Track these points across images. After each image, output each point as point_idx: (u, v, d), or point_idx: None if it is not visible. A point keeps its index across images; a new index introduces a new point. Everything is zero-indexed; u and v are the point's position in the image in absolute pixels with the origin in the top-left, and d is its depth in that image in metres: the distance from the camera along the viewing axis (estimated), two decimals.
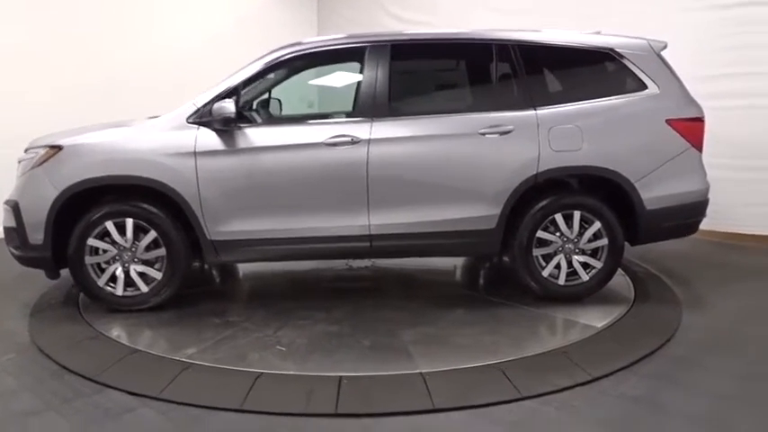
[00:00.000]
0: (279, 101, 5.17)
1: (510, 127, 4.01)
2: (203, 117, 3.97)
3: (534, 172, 4.00)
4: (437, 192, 4.02)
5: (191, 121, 3.99)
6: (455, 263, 5.38)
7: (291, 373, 3.18)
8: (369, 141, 3.98)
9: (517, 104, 4.09)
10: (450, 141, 4.02)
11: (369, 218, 4.02)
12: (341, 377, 3.11)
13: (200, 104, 4.01)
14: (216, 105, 3.89)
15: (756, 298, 4.49)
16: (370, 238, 4.06)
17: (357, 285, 4.87)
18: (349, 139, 3.98)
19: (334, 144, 3.97)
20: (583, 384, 3.07)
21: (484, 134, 4.00)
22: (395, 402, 2.90)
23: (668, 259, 5.34)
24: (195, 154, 3.92)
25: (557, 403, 2.90)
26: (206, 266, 5.22)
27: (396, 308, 4.17)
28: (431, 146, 4.01)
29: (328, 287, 4.84)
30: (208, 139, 3.96)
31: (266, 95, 4.94)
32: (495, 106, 4.13)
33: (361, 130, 4.00)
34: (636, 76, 4.15)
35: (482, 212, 4.03)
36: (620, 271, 4.84)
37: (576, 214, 4.09)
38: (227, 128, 3.94)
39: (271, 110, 5.00)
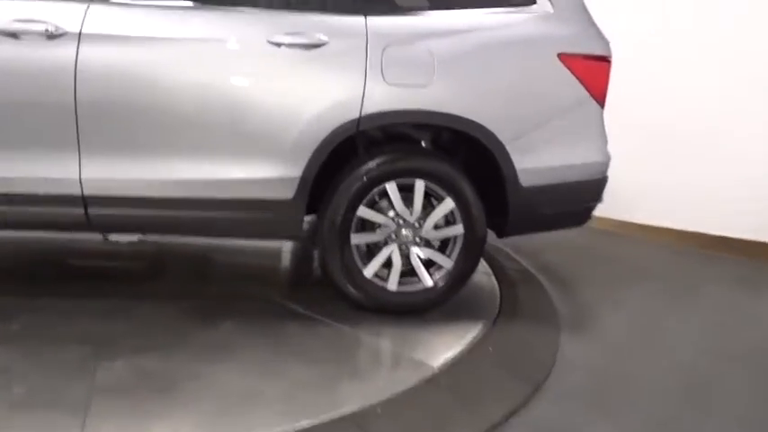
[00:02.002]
0: None
1: (321, 37, 2.50)
2: None
3: (356, 116, 2.53)
4: (195, 133, 2.47)
5: None
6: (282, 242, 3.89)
7: None
8: (80, 36, 2.35)
9: (337, 5, 2.60)
10: (220, 50, 2.47)
11: (79, 168, 2.42)
12: None
13: None
14: None
15: (650, 310, 3.32)
16: (84, 201, 2.45)
17: (95, 270, 3.25)
18: (43, 28, 2.32)
19: (17, 34, 2.31)
20: None
21: (278, 45, 2.48)
22: None
23: (548, 251, 4.10)
24: None
25: None
26: None
27: (126, 315, 2.61)
28: (188, 55, 2.44)
29: (51, 274, 3.18)
30: None
31: None
32: (300, 3, 2.61)
33: (69, 15, 2.36)
34: None
35: (271, 173, 2.53)
36: (484, 266, 3.55)
37: (419, 185, 2.68)
38: None
39: None
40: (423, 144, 2.96)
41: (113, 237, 3.41)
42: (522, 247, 4.00)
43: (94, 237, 3.36)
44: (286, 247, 3.88)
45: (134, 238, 3.45)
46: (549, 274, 3.67)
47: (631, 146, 4.44)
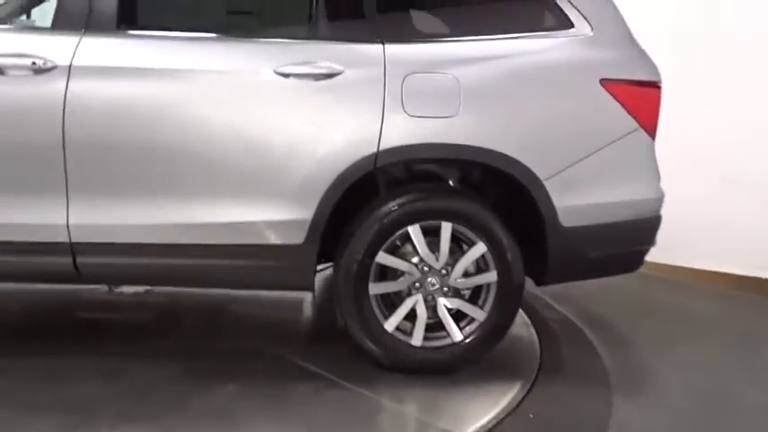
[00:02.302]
0: None
1: (334, 67, 2.26)
2: None
3: (374, 150, 2.27)
4: (194, 172, 2.24)
5: None
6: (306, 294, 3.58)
7: None
8: (70, 70, 2.15)
9: (351, 31, 2.37)
10: (222, 83, 2.24)
11: (67, 213, 2.19)
12: None
13: None
14: None
15: (716, 368, 2.88)
16: (72, 248, 2.22)
17: (92, 324, 3.01)
18: (30, 62, 2.14)
19: (1, 69, 2.13)
20: None
21: (286, 75, 2.24)
22: None
23: (592, 299, 3.71)
24: None
25: None
26: None
27: (119, 376, 2.33)
28: (186, 88, 2.22)
29: (43, 328, 2.94)
30: None
31: None
32: (312, 31, 2.40)
33: (59, 48, 2.18)
34: (558, 6, 2.50)
35: (279, 216, 2.27)
36: (522, 317, 3.20)
37: (445, 228, 2.38)
38: None
39: None
40: (450, 182, 2.67)
41: (118, 288, 3.20)
42: (563, 295, 3.63)
43: (97, 287, 3.16)
44: (307, 297, 3.59)
45: (140, 288, 3.23)
46: (595, 326, 3.28)
47: (684, 181, 4.08)
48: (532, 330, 3.10)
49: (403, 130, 2.27)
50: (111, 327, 3.00)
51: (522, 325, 3.13)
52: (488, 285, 2.45)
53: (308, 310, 3.47)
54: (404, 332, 2.44)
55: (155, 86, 2.19)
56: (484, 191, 2.62)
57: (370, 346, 2.41)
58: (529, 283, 2.58)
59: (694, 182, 4.20)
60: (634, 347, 3.15)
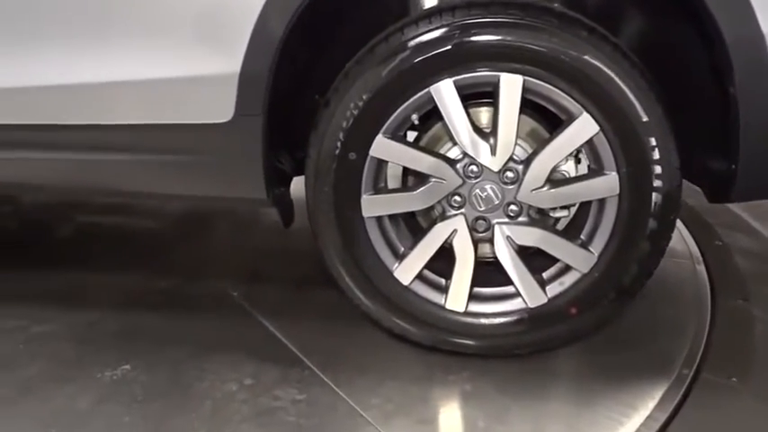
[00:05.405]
0: None
1: None
2: None
3: None
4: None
5: None
6: None
7: None
8: None
9: None
10: None
11: None
12: None
13: None
14: None
15: None
16: None
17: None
18: None
19: None
20: None
21: None
22: None
23: None
24: None
25: None
26: None
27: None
28: None
29: None
30: None
31: None
32: None
33: None
34: None
35: (176, 69, 1.20)
36: (686, 243, 1.95)
37: (510, 86, 1.15)
38: None
39: None
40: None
41: None
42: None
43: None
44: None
45: None
46: None
47: None
48: (702, 271, 1.80)
49: None
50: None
51: (683, 260, 1.85)
52: (601, 205, 1.23)
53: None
54: (436, 287, 1.33)
55: None
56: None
57: (371, 307, 1.33)
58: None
59: None
60: None
